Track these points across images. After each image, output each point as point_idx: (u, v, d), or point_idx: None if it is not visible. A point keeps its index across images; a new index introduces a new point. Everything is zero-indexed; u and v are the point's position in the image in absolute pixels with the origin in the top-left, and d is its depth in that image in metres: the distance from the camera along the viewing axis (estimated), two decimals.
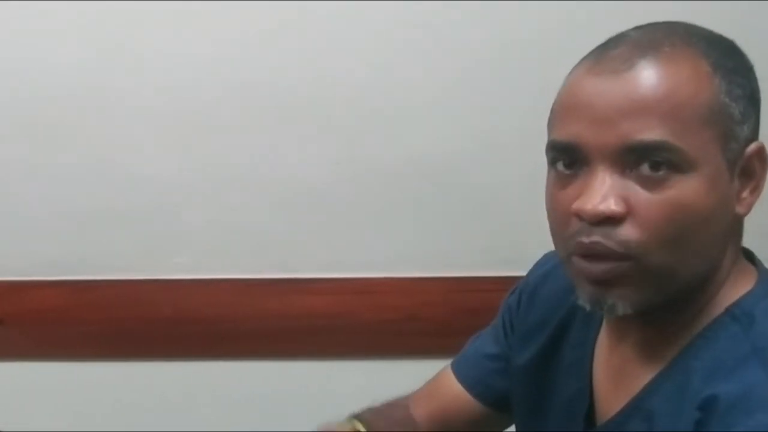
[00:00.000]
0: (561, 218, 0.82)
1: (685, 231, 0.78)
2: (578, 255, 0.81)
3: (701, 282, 0.83)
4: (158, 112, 1.52)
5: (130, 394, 1.61)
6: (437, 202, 1.55)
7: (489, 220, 1.55)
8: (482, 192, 1.54)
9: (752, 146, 0.82)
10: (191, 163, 1.54)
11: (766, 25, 1.44)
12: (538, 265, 1.08)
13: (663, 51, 0.80)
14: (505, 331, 1.09)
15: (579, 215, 0.79)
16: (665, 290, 0.81)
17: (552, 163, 0.84)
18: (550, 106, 0.85)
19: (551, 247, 0.87)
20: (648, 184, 0.78)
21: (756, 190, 0.83)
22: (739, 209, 0.83)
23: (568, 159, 0.81)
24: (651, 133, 0.77)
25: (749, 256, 0.89)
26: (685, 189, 0.78)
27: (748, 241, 0.88)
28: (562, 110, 0.83)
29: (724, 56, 0.82)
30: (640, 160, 0.78)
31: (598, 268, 0.80)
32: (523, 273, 1.11)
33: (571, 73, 0.84)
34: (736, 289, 0.84)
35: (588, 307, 0.83)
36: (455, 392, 1.11)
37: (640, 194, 0.78)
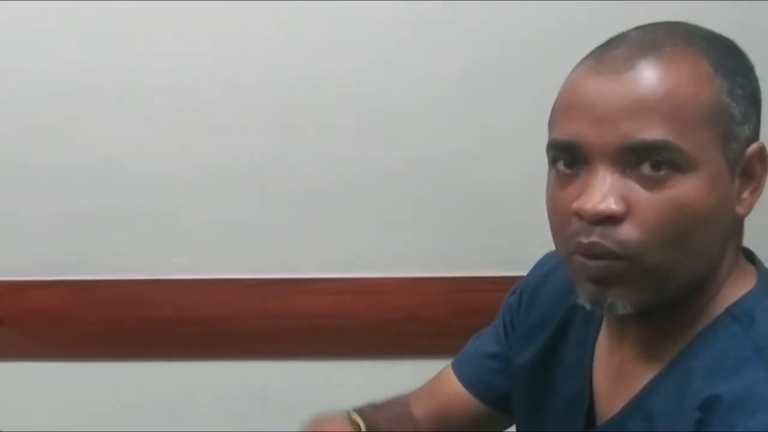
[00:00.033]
0: (561, 218, 0.82)
1: (685, 231, 0.78)
2: (579, 254, 0.81)
3: (701, 282, 0.83)
4: (158, 112, 1.52)
5: (130, 394, 1.61)
6: (437, 202, 1.55)
7: (489, 220, 1.55)
8: (482, 192, 1.54)
9: (753, 147, 0.82)
10: (191, 163, 1.54)
11: (766, 25, 1.44)
12: (539, 265, 1.08)
13: (664, 51, 0.80)
14: (506, 331, 1.09)
15: (579, 214, 0.79)
16: (664, 290, 0.81)
17: (552, 162, 0.84)
18: (550, 106, 0.85)
19: (551, 247, 0.87)
20: (648, 183, 0.78)
21: (756, 191, 0.83)
22: (740, 210, 0.83)
23: (568, 158, 0.81)
24: (652, 132, 0.77)
25: (749, 256, 0.89)
26: (686, 189, 0.78)
27: (748, 241, 0.88)
28: (563, 109, 0.83)
29: (725, 56, 0.82)
30: (640, 159, 0.78)
31: (598, 265, 0.80)
32: (523, 273, 1.11)
33: (572, 72, 0.84)
34: (737, 289, 0.84)
35: (588, 306, 0.83)
36: (456, 391, 1.11)
37: (640, 194, 0.78)
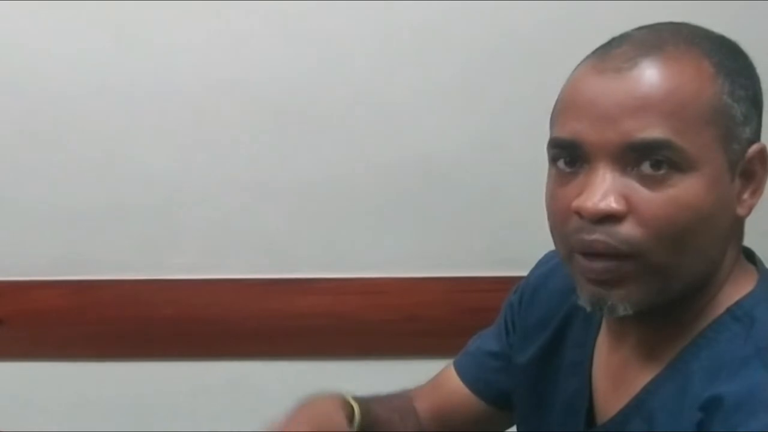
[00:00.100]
0: (561, 216, 0.82)
1: (686, 230, 0.78)
2: (580, 253, 0.81)
3: (701, 282, 0.83)
4: (158, 112, 1.52)
5: (130, 394, 1.61)
6: (437, 202, 1.55)
7: (489, 220, 1.55)
8: (482, 192, 1.54)
9: (754, 147, 0.82)
10: (191, 163, 1.54)
11: (766, 25, 1.44)
12: (540, 264, 1.08)
13: (666, 50, 0.80)
14: (507, 330, 1.09)
15: (579, 213, 0.79)
16: (666, 290, 0.81)
17: (553, 160, 0.84)
18: (550, 107, 0.85)
19: (552, 246, 0.87)
20: (649, 182, 0.78)
21: (757, 192, 0.83)
22: (740, 210, 0.82)
23: (569, 156, 0.81)
24: (653, 131, 0.77)
25: (750, 256, 0.89)
26: (686, 188, 0.78)
27: (748, 241, 0.88)
28: (564, 108, 0.83)
29: (728, 57, 0.82)
30: (641, 158, 0.78)
31: (599, 266, 0.80)
32: (523, 273, 1.11)
33: (574, 71, 0.84)
34: (737, 289, 0.84)
35: (588, 308, 0.83)
36: (457, 389, 1.12)
37: (640, 192, 0.78)
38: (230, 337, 1.58)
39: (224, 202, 1.56)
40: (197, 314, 1.58)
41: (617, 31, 0.85)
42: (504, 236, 1.55)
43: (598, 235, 0.79)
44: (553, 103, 0.85)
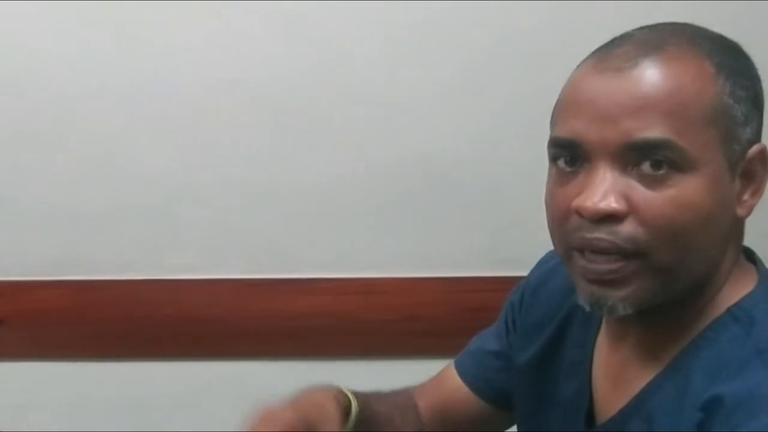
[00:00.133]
0: (560, 215, 0.82)
1: (686, 230, 0.78)
2: (579, 250, 0.81)
3: (701, 283, 0.83)
4: (158, 112, 1.52)
5: (131, 394, 1.61)
6: (437, 202, 1.55)
7: (489, 220, 1.55)
8: (482, 192, 1.54)
9: (754, 148, 0.82)
10: (191, 163, 1.54)
11: (766, 25, 1.44)
12: (540, 263, 1.08)
13: (667, 50, 0.80)
14: (507, 329, 1.09)
15: (579, 212, 0.79)
16: (666, 290, 0.81)
17: (553, 159, 0.84)
18: (550, 107, 0.85)
19: (552, 246, 0.87)
20: (649, 182, 0.78)
21: (757, 193, 0.83)
22: (740, 211, 0.82)
23: (569, 156, 0.81)
24: (653, 131, 0.77)
25: (750, 255, 0.89)
26: (686, 188, 0.78)
27: (748, 242, 0.88)
28: (565, 107, 0.83)
29: (729, 58, 0.82)
30: (641, 158, 0.78)
31: (601, 268, 0.80)
32: (523, 273, 1.11)
33: (575, 70, 0.84)
34: (737, 290, 0.84)
35: (587, 308, 0.83)
36: (457, 388, 1.12)
37: (641, 192, 0.78)
38: (230, 337, 1.58)
39: (224, 202, 1.56)
40: (197, 314, 1.58)
41: (617, 31, 0.85)
42: (504, 236, 1.55)
43: (599, 234, 0.79)
44: (553, 103, 0.85)
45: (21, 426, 1.52)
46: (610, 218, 0.78)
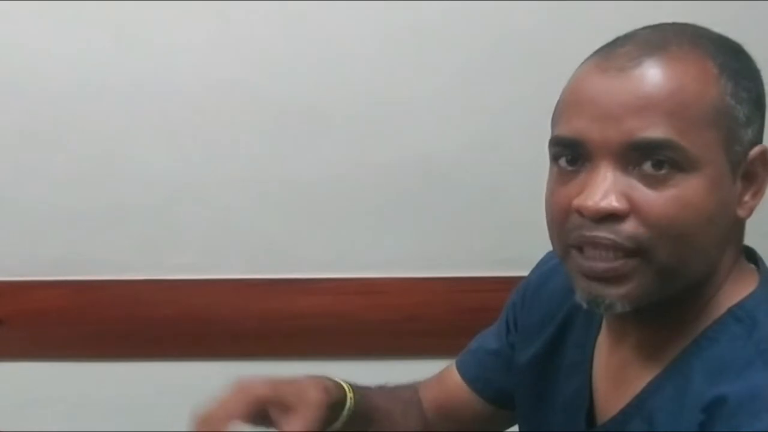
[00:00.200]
0: (560, 214, 0.82)
1: (686, 230, 0.78)
2: (576, 249, 0.81)
3: (700, 282, 0.83)
4: (158, 112, 1.52)
5: (130, 394, 1.61)
6: (437, 202, 1.55)
7: (489, 220, 1.55)
8: (482, 192, 1.54)
9: (756, 149, 0.82)
10: (191, 163, 1.54)
11: (766, 25, 1.44)
12: (541, 263, 1.09)
13: (670, 50, 0.80)
14: (508, 329, 1.09)
15: (580, 211, 0.79)
16: (665, 289, 0.81)
17: (554, 158, 0.84)
18: (550, 107, 0.85)
19: (551, 246, 0.87)
20: (650, 182, 0.78)
21: (758, 194, 0.83)
22: (740, 212, 0.82)
23: (570, 155, 0.81)
24: (655, 131, 0.77)
25: (751, 255, 0.89)
26: (687, 188, 0.78)
27: (748, 242, 0.88)
28: (567, 106, 0.83)
29: (732, 59, 0.82)
30: (643, 157, 0.78)
31: (600, 265, 0.80)
32: (523, 273, 1.11)
33: (577, 69, 0.84)
34: (737, 290, 0.84)
35: (585, 305, 0.83)
36: (458, 387, 1.12)
37: (642, 192, 0.78)
38: (230, 337, 1.58)
39: (224, 202, 1.56)
40: (197, 314, 1.58)
41: (617, 31, 0.85)
42: (504, 236, 1.55)
43: (599, 232, 0.79)
44: (553, 103, 0.85)
45: (21, 426, 1.52)
46: (611, 218, 0.78)
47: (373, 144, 1.53)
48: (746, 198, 0.82)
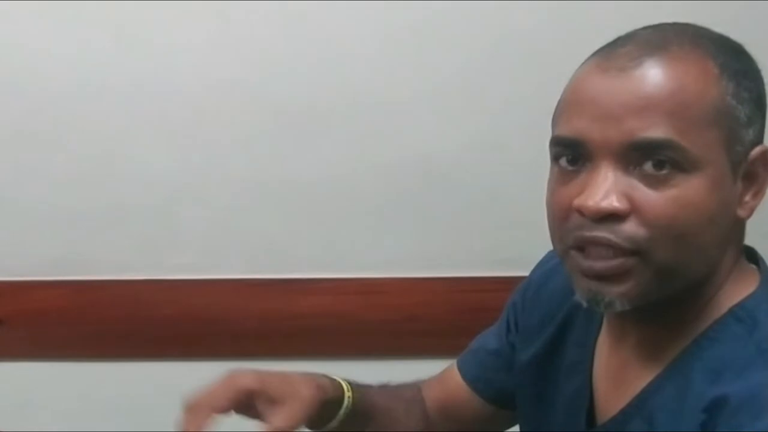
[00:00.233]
0: (561, 214, 0.82)
1: (687, 230, 0.78)
2: (576, 249, 0.81)
3: (700, 282, 0.83)
4: (158, 112, 1.52)
5: (130, 394, 1.61)
6: (437, 202, 1.55)
7: (489, 220, 1.55)
8: (483, 192, 1.54)
9: (757, 150, 0.82)
10: (191, 163, 1.54)
11: (767, 25, 1.44)
12: (541, 263, 1.09)
13: (671, 50, 0.80)
14: (509, 329, 1.09)
15: (581, 211, 0.79)
16: (664, 288, 0.81)
17: (555, 158, 0.84)
18: (550, 107, 0.85)
19: (552, 246, 0.87)
20: (651, 182, 0.78)
21: (759, 194, 0.83)
22: (741, 212, 0.82)
23: (571, 155, 0.81)
24: (656, 131, 0.77)
25: (753, 255, 0.89)
26: (688, 188, 0.78)
27: (748, 242, 0.88)
28: (567, 106, 0.83)
29: (733, 59, 0.82)
30: (644, 157, 0.78)
31: (598, 264, 0.80)
32: (523, 273, 1.11)
33: (578, 69, 0.84)
34: (738, 290, 0.84)
35: (585, 304, 0.83)
36: (459, 387, 1.12)
37: (643, 192, 0.78)
38: (230, 337, 1.58)
39: (224, 202, 1.56)
40: (197, 314, 1.58)
41: (617, 32, 0.85)
42: (504, 236, 1.55)
43: (599, 232, 0.79)
44: (553, 103, 0.85)
45: (21, 426, 1.52)
46: (611, 217, 0.78)
47: (373, 144, 1.53)
48: (747, 198, 0.82)
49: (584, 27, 1.41)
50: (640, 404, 0.85)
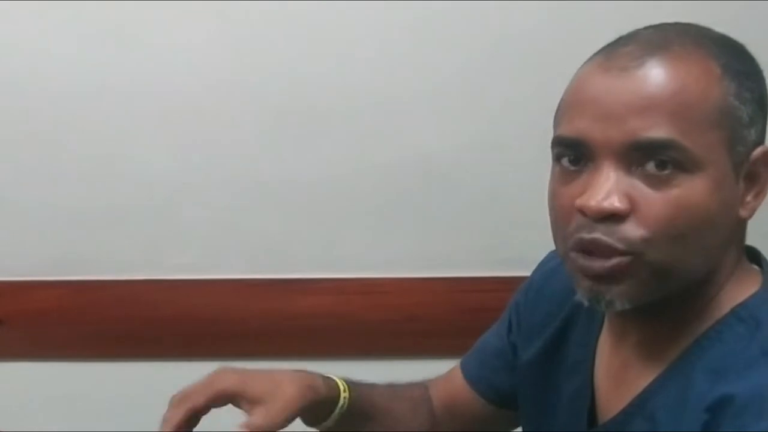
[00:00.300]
0: (563, 214, 0.82)
1: (688, 230, 0.78)
2: (577, 251, 0.81)
3: (701, 282, 0.83)
4: (158, 112, 1.52)
5: (130, 394, 1.61)
6: (437, 202, 1.55)
7: (490, 220, 1.55)
8: (483, 192, 1.54)
9: (758, 150, 0.82)
10: (191, 163, 1.54)
11: (767, 25, 1.44)
12: (542, 263, 1.09)
13: (673, 50, 0.80)
14: (510, 329, 1.09)
15: (582, 211, 0.79)
16: (664, 288, 0.81)
17: (557, 158, 0.84)
18: (550, 107, 0.85)
19: (552, 246, 0.87)
20: (653, 182, 0.78)
21: (760, 195, 0.83)
22: (743, 213, 0.83)
23: (573, 155, 0.81)
24: (658, 131, 0.77)
25: (755, 256, 0.89)
26: (690, 189, 0.78)
27: (749, 242, 0.88)
28: (569, 106, 0.83)
29: (735, 59, 0.82)
30: (646, 157, 0.78)
31: (597, 264, 0.80)
32: (523, 273, 1.11)
33: (580, 69, 0.84)
34: (740, 290, 0.84)
35: (586, 303, 0.83)
36: (462, 387, 1.12)
37: (644, 192, 0.78)
38: (230, 337, 1.58)
39: (224, 202, 1.55)
40: (197, 314, 1.58)
41: (617, 32, 0.85)
42: (504, 236, 1.55)
43: (597, 234, 0.79)
44: (554, 103, 0.85)
45: (21, 426, 1.52)
46: (611, 217, 0.78)
47: (373, 144, 1.53)
48: (748, 198, 0.83)
49: (584, 27, 1.41)
50: (641, 404, 0.86)
